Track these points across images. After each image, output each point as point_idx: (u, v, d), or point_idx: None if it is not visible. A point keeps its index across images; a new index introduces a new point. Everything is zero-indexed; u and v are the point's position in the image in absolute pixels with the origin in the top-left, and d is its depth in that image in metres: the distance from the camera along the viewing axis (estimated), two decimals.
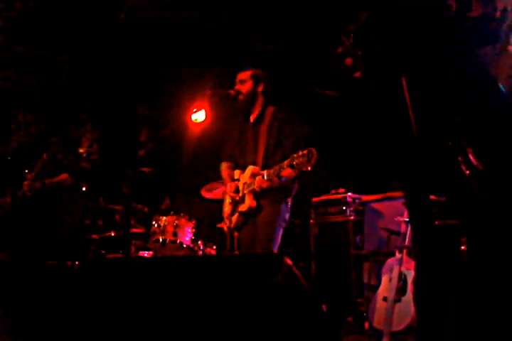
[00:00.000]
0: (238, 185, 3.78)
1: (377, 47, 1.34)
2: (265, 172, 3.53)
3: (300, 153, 3.21)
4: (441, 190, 2.10)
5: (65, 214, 5.32)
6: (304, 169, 3.20)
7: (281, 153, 3.64)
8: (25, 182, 4.56)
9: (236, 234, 3.72)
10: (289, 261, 1.64)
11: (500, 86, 1.56)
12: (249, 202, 3.64)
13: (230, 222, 3.76)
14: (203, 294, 1.80)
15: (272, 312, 1.58)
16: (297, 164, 3.20)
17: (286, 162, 3.31)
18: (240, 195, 3.72)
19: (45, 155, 4.65)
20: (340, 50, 1.44)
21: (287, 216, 3.72)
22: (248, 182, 3.66)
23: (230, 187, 3.83)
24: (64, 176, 4.73)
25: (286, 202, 3.73)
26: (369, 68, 1.38)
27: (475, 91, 1.56)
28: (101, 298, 2.26)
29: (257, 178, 3.55)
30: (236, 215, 3.73)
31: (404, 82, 1.37)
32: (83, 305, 2.29)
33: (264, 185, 3.52)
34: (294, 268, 1.63)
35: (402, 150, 1.43)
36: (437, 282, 1.68)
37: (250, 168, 3.69)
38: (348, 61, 1.43)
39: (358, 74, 1.43)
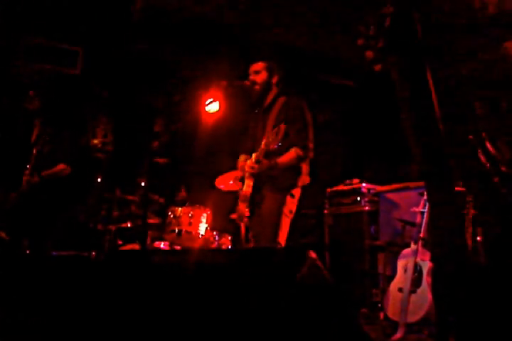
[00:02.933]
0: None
1: (400, 40, 1.33)
2: (254, 155, 3.56)
3: (273, 130, 3.35)
4: (461, 181, 2.10)
5: (79, 205, 5.36)
6: (272, 145, 3.27)
7: (287, 141, 3.64)
8: (24, 178, 4.61)
9: (243, 224, 3.72)
10: (313, 255, 1.65)
11: None
12: (245, 188, 3.64)
13: (237, 210, 3.77)
14: (227, 288, 1.81)
15: (297, 305, 1.59)
16: (268, 142, 3.30)
17: (263, 142, 3.40)
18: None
19: (34, 149, 4.68)
20: (360, 42, 1.43)
21: (294, 208, 3.71)
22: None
23: (236, 176, 3.85)
24: (61, 166, 4.73)
25: (292, 194, 3.71)
26: (391, 60, 1.37)
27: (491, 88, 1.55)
28: (118, 289, 2.28)
29: (248, 161, 3.58)
30: (239, 203, 3.72)
31: (429, 75, 1.36)
32: (99, 296, 2.31)
33: (249, 167, 3.55)
34: (318, 261, 1.63)
35: (426, 143, 1.42)
36: (455, 272, 1.67)
37: (254, 155, 3.71)
38: (369, 54, 1.42)
39: (378, 67, 1.42)
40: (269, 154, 3.59)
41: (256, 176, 3.59)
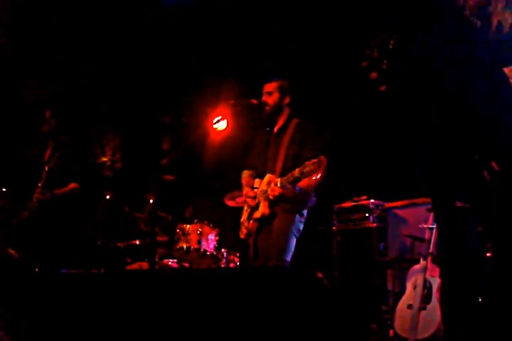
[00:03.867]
0: (256, 193, 3.82)
1: (401, 63, 1.36)
2: (279, 180, 3.59)
3: (312, 161, 3.27)
4: (467, 197, 2.11)
5: (88, 223, 5.39)
6: (314, 176, 3.26)
7: (301, 163, 3.67)
8: (35, 195, 4.64)
9: (251, 241, 3.74)
10: (320, 274, 1.66)
11: None
12: (262, 209, 3.68)
13: (246, 228, 3.78)
14: (233, 306, 1.82)
15: (305, 323, 1.60)
16: (307, 171, 3.27)
17: (297, 169, 3.38)
18: (256, 201, 3.75)
19: (46, 167, 4.72)
20: (364, 64, 1.45)
21: (301, 226, 3.73)
22: (264, 189, 3.70)
23: (247, 194, 3.87)
24: (72, 185, 4.76)
25: (302, 214, 3.74)
26: (393, 83, 1.40)
27: (498, 102, 1.57)
28: (124, 307, 2.29)
29: (271, 185, 3.60)
30: (251, 222, 3.75)
31: (430, 96, 1.39)
32: (105, 313, 2.32)
33: (277, 193, 3.56)
34: (325, 281, 1.64)
35: (429, 158, 1.45)
36: (463, 289, 1.68)
37: (268, 176, 3.74)
38: (373, 75, 1.45)
39: (383, 88, 1.44)
40: (283, 175, 3.62)
41: (279, 199, 3.62)
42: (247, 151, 4.20)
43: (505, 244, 1.77)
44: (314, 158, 3.53)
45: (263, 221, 3.69)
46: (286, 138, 3.81)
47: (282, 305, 1.65)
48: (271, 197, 3.60)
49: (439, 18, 1.51)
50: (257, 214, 3.71)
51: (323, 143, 3.78)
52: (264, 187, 3.74)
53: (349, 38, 4.70)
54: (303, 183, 3.57)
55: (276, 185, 3.57)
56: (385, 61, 1.39)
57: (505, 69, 1.60)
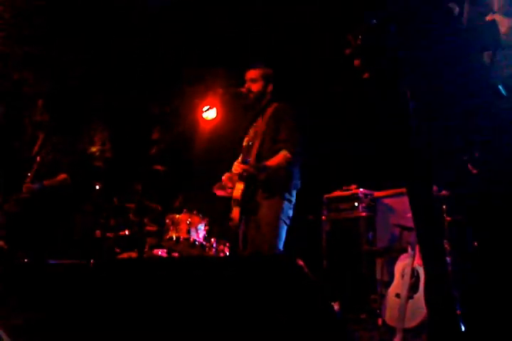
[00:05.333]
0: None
1: (381, 53, 1.36)
2: (240, 158, 3.62)
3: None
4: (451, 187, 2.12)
5: (77, 213, 5.38)
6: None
7: (276, 146, 3.66)
8: (24, 185, 4.62)
9: (241, 231, 3.72)
10: (301, 262, 1.66)
11: (501, 88, 1.58)
12: (235, 191, 3.65)
13: (231, 217, 3.76)
14: (212, 296, 1.82)
15: (283, 313, 1.60)
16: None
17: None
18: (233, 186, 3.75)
19: (38, 158, 4.69)
20: (347, 51, 1.45)
21: (290, 213, 3.70)
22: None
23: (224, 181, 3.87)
24: (62, 176, 4.75)
25: (289, 200, 3.70)
26: (373, 72, 1.40)
27: (478, 97, 1.58)
28: (114, 298, 2.28)
29: (235, 164, 3.61)
30: (233, 209, 3.69)
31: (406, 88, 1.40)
32: (96, 305, 2.31)
33: (240, 169, 3.58)
34: (306, 269, 1.65)
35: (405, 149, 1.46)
36: (445, 279, 1.69)
37: (240, 157, 3.73)
38: (356, 62, 1.45)
39: (366, 75, 1.44)
40: (259, 158, 3.61)
41: (246, 180, 3.60)
42: (237, 141, 4.20)
43: (485, 236, 1.79)
44: (291, 140, 3.56)
45: (247, 210, 3.66)
46: (263, 121, 3.80)
47: (259, 294, 1.65)
48: (237, 176, 3.60)
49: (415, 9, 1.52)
50: (234, 198, 3.65)
51: (295, 123, 3.76)
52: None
53: (334, 25, 4.69)
54: (271, 161, 3.58)
55: (238, 162, 3.59)
56: (365, 48, 1.39)
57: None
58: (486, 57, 1.61)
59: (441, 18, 1.55)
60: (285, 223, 3.64)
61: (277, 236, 3.58)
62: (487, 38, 1.58)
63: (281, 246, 3.60)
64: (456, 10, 1.59)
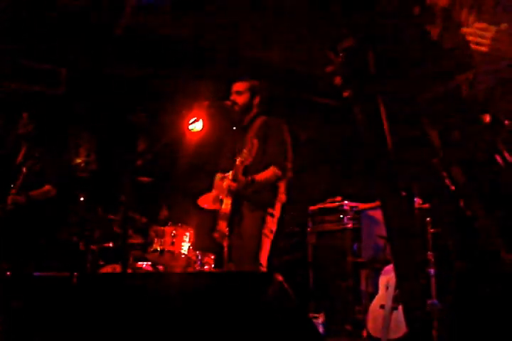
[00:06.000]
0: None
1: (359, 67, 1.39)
2: (230, 173, 3.60)
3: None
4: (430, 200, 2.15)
5: (61, 225, 5.34)
6: (246, 163, 3.42)
7: (265, 160, 3.68)
8: (9, 197, 4.58)
9: (226, 243, 3.72)
10: (280, 278, 1.67)
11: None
12: (224, 206, 3.65)
13: (218, 230, 3.76)
14: (194, 311, 1.82)
15: (262, 327, 1.61)
16: (241, 160, 3.34)
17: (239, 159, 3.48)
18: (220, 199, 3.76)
19: (24, 168, 4.67)
20: (329, 69, 1.47)
21: (274, 227, 3.70)
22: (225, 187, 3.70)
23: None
24: (47, 188, 4.73)
25: (272, 214, 3.70)
26: (351, 87, 1.42)
27: (458, 112, 1.61)
28: (97, 312, 2.28)
29: (225, 180, 3.61)
30: (220, 222, 3.70)
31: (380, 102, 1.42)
32: (79, 318, 2.31)
33: (232, 185, 3.56)
34: (285, 284, 1.65)
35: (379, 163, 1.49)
36: (418, 296, 1.71)
37: (230, 173, 3.74)
38: (337, 80, 1.47)
39: (346, 94, 1.46)
40: (246, 172, 3.62)
41: (234, 194, 3.61)
42: (220, 153, 4.21)
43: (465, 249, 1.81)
44: (280, 155, 3.58)
45: (232, 222, 3.67)
46: (250, 135, 3.80)
47: (239, 310, 1.66)
48: (225, 191, 3.61)
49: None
50: (221, 212, 3.68)
51: (284, 138, 3.77)
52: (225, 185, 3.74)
53: (317, 41, 4.75)
54: (259, 177, 3.59)
55: (229, 179, 3.59)
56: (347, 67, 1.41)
57: (464, 30, 1.61)
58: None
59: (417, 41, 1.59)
60: (267, 236, 3.64)
61: (259, 249, 3.58)
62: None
63: (262, 259, 3.60)
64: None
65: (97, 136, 6.38)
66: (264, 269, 3.53)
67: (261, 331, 1.61)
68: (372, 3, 1.56)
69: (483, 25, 1.65)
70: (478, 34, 1.62)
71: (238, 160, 3.50)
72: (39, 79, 5.92)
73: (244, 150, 3.52)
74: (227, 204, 3.63)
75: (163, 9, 5.37)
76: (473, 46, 1.63)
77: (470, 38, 1.63)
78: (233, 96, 3.90)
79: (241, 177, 3.54)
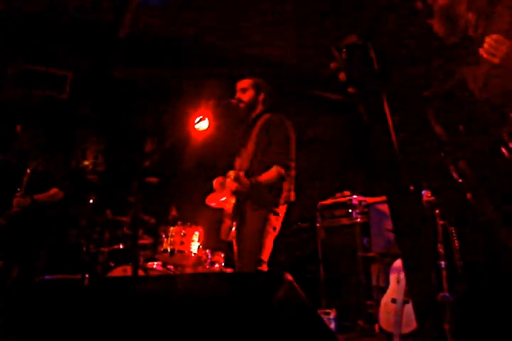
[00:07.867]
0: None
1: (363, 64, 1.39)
2: (232, 172, 3.59)
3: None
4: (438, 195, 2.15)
5: (71, 228, 5.36)
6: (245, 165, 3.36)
7: (268, 157, 3.66)
8: (15, 199, 4.59)
9: (234, 241, 3.72)
10: (290, 277, 1.66)
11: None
12: (227, 205, 3.65)
13: (224, 228, 3.75)
14: (203, 312, 1.82)
15: (274, 328, 1.60)
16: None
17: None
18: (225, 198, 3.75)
19: (28, 171, 4.68)
20: (333, 65, 1.47)
21: (278, 225, 3.64)
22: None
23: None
24: (53, 191, 4.73)
25: (276, 213, 3.66)
26: (355, 83, 1.42)
27: (459, 106, 1.60)
28: (108, 314, 2.28)
29: (227, 180, 3.60)
30: (226, 220, 3.67)
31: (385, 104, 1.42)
32: (91, 322, 2.31)
33: (233, 187, 3.56)
34: (295, 284, 1.65)
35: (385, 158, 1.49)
36: (429, 290, 1.71)
37: (231, 173, 3.72)
38: (341, 76, 1.47)
39: (351, 90, 1.46)
40: (249, 172, 3.61)
41: (237, 194, 3.60)
42: (227, 151, 4.21)
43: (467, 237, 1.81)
44: (283, 152, 3.57)
45: (236, 220, 3.65)
46: (253, 133, 3.78)
47: (252, 310, 1.65)
48: (229, 191, 3.60)
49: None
50: (226, 211, 3.67)
51: (287, 136, 3.74)
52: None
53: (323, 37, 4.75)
54: (262, 177, 3.57)
55: (231, 179, 3.58)
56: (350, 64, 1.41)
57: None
58: None
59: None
60: (270, 233, 3.60)
61: (261, 247, 3.54)
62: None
63: (264, 256, 3.56)
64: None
65: (105, 138, 6.39)
66: (265, 266, 3.50)
67: (272, 332, 1.61)
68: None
69: (500, 37, 1.66)
70: (494, 46, 1.63)
71: (238, 162, 3.49)
72: (45, 84, 5.94)
73: (244, 151, 3.50)
74: (230, 203, 3.63)
75: (165, 9, 5.38)
76: (485, 56, 1.64)
77: (486, 47, 1.65)
78: (238, 94, 3.90)
79: (244, 181, 3.51)
